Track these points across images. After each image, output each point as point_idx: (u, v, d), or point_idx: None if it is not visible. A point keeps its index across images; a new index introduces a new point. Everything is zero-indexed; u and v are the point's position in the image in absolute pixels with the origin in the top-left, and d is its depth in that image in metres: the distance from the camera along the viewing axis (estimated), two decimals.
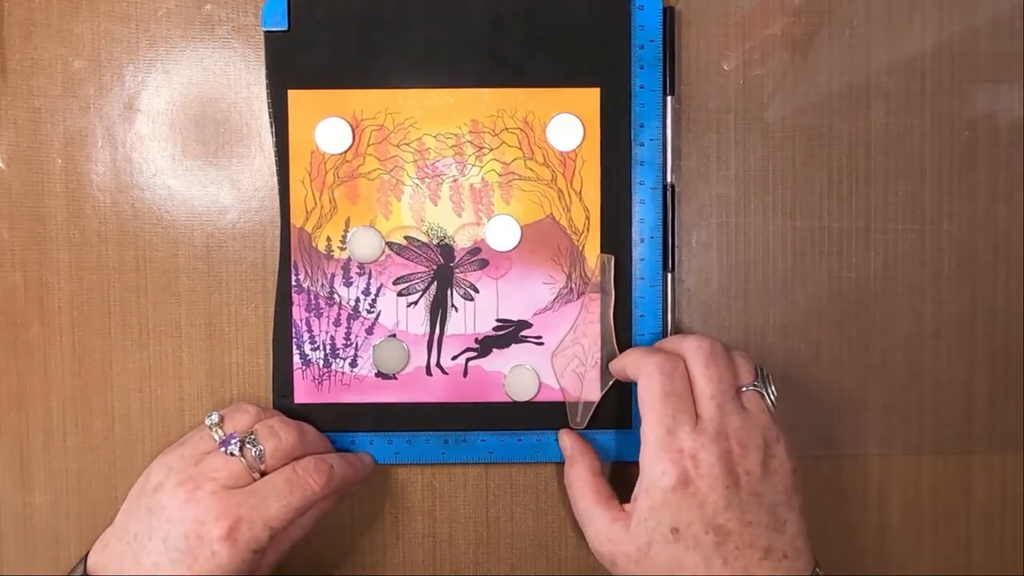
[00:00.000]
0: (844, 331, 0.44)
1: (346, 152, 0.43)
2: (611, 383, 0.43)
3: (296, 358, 0.43)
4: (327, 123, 0.43)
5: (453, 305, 0.43)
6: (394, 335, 0.43)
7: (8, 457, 0.44)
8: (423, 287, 0.43)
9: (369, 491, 0.44)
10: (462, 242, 0.43)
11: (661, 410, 0.37)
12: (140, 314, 0.44)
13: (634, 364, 0.39)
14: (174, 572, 0.35)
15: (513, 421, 0.44)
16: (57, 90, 0.43)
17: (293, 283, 0.43)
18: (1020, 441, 0.45)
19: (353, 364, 0.43)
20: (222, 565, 0.35)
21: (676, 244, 0.44)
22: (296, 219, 0.43)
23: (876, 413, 0.45)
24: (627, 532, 0.37)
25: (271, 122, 0.43)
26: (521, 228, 0.43)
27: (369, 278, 0.43)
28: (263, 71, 0.43)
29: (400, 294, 0.43)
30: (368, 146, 0.43)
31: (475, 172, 0.43)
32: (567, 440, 0.42)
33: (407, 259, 0.43)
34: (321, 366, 0.43)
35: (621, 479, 0.44)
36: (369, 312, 0.43)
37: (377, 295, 0.43)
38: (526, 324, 0.43)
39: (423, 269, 0.43)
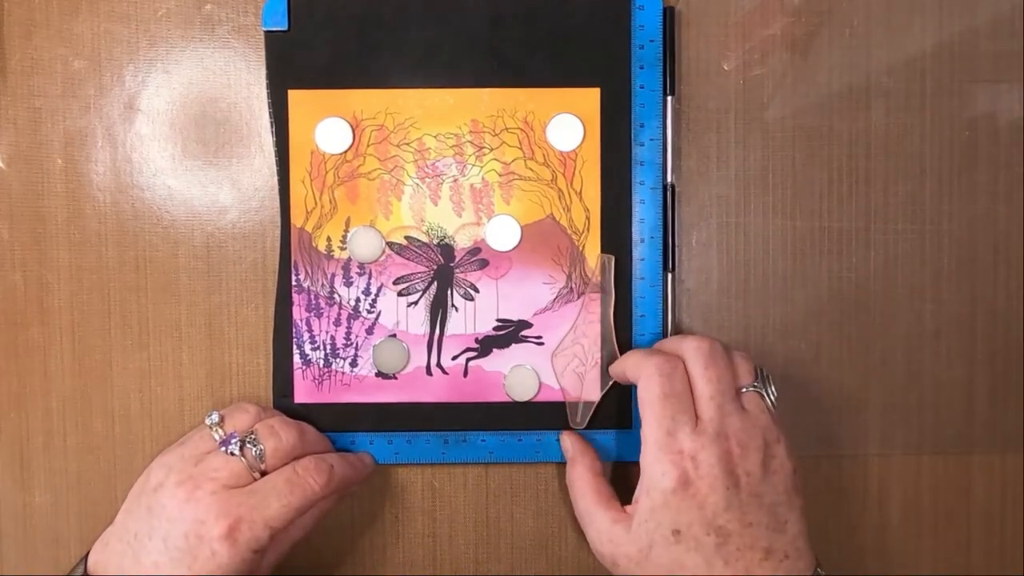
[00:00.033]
0: (844, 331, 0.44)
1: (346, 152, 0.43)
2: (611, 383, 0.43)
3: (296, 358, 0.43)
4: (327, 123, 0.43)
5: (453, 305, 0.43)
6: (394, 335, 0.43)
7: (8, 457, 0.44)
8: (423, 287, 0.43)
9: (369, 491, 0.44)
10: (462, 242, 0.43)
11: (661, 411, 0.37)
12: (140, 314, 0.44)
13: (634, 366, 0.39)
14: (174, 572, 0.35)
15: (513, 421, 0.44)
16: (57, 90, 0.43)
17: (293, 283, 0.43)
18: (1020, 441, 0.45)
19: (353, 364, 0.43)
20: (222, 565, 0.35)
21: (676, 244, 0.44)
22: (296, 219, 0.43)
23: (876, 413, 0.45)
24: (628, 533, 0.37)
25: (271, 122, 0.43)
26: (521, 228, 0.43)
27: (369, 278, 0.43)
28: (263, 71, 0.43)
29: (400, 294, 0.43)
30: (368, 146, 0.43)
31: (475, 172, 0.43)
32: (568, 441, 0.42)
33: (407, 259, 0.43)
34: (321, 366, 0.43)
35: (622, 479, 0.44)
36: (369, 312, 0.43)
37: (377, 295, 0.43)
38: (526, 324, 0.43)
39: (423, 269, 0.43)
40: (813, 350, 0.44)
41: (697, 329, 0.44)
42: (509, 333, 0.43)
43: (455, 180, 0.43)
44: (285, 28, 0.43)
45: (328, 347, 0.43)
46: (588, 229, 0.43)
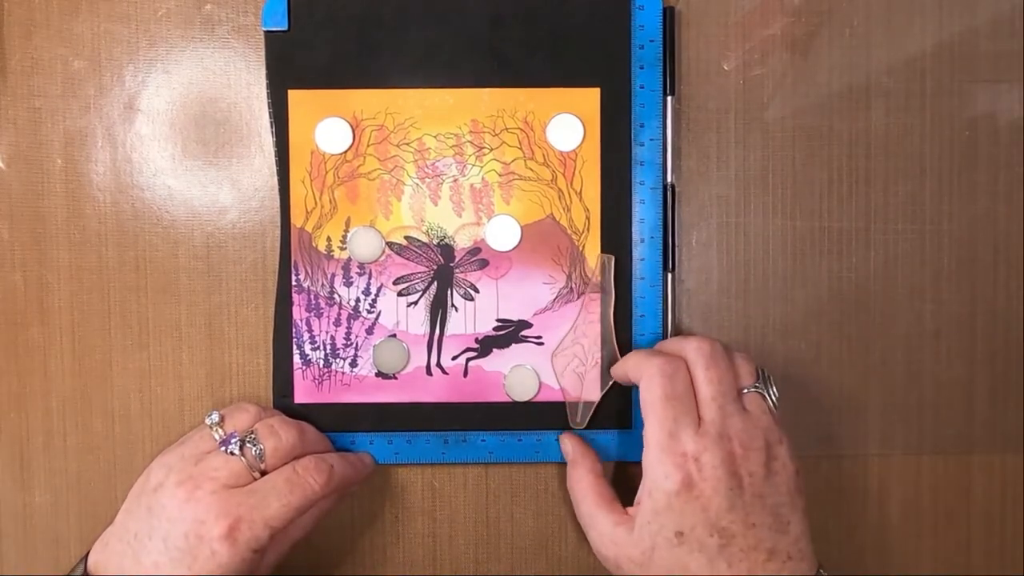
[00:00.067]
0: (844, 331, 0.44)
1: (346, 152, 0.43)
2: (611, 383, 0.43)
3: (296, 358, 0.43)
4: (327, 123, 0.43)
5: (453, 305, 0.43)
6: (394, 335, 0.43)
7: (8, 457, 0.44)
8: (423, 287, 0.43)
9: (369, 491, 0.44)
10: (462, 242, 0.43)
11: (663, 413, 0.37)
12: (140, 314, 0.44)
13: (635, 367, 0.39)
14: (174, 571, 0.35)
15: (513, 421, 0.44)
16: (57, 90, 0.43)
17: (293, 283, 0.43)
18: (1020, 441, 0.45)
19: (353, 364, 0.43)
20: (222, 564, 0.35)
21: (676, 244, 0.44)
22: (296, 219, 0.43)
23: (876, 413, 0.45)
24: (631, 535, 0.37)
25: (271, 122, 0.43)
26: (521, 228, 0.43)
27: (369, 278, 0.43)
28: (263, 71, 0.43)
29: (400, 294, 0.43)
30: (368, 146, 0.43)
31: (475, 172, 0.43)
32: (568, 443, 0.42)
33: (407, 259, 0.43)
34: (321, 366, 0.43)
35: (622, 479, 0.44)
36: (369, 312, 0.43)
37: (377, 295, 0.43)
38: (526, 324, 0.43)
39: (423, 269, 0.43)
40: (813, 350, 0.44)
41: (697, 329, 0.44)
42: (509, 333, 0.43)
43: (455, 180, 0.43)
44: (285, 28, 0.43)
45: (328, 347, 0.43)
46: (588, 229, 0.43)
